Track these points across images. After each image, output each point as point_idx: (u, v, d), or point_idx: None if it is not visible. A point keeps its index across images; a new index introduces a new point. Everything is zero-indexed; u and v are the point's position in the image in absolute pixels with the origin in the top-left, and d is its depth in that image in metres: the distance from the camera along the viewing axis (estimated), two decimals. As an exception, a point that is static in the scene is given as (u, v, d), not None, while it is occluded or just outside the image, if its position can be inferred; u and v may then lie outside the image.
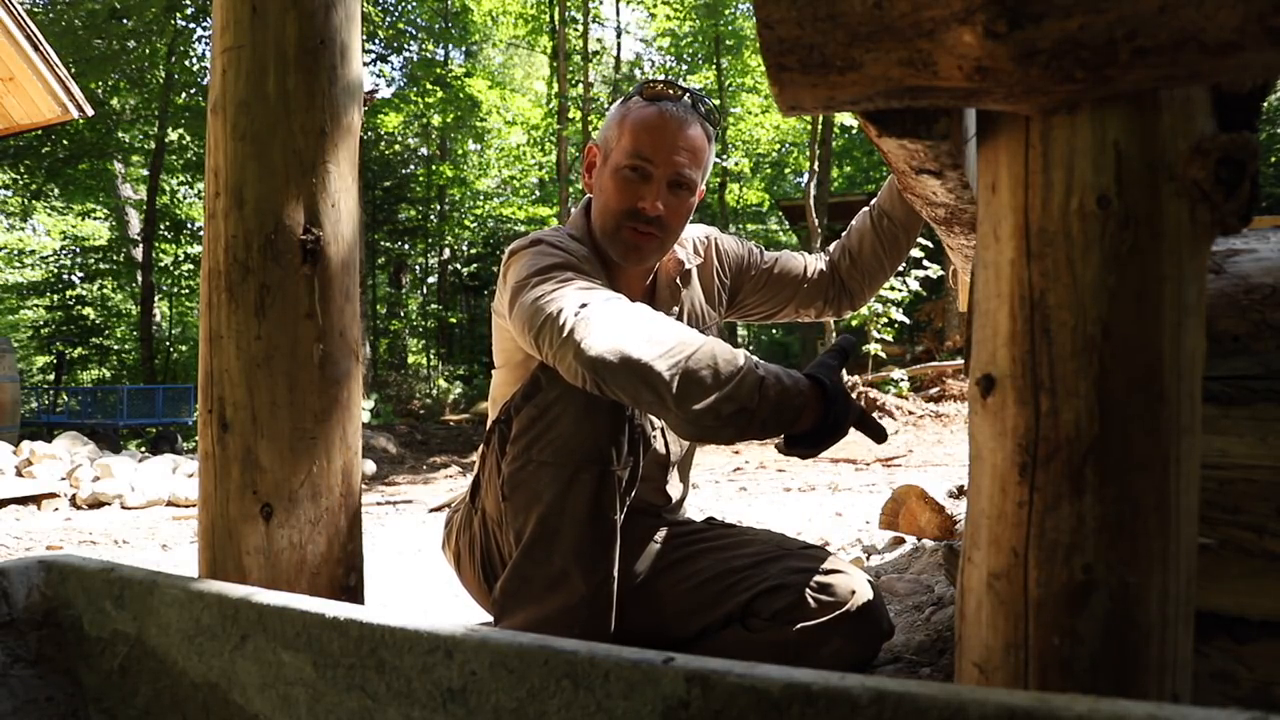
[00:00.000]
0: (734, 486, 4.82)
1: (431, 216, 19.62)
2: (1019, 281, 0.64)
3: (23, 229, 20.27)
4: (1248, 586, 0.91)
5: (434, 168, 18.77)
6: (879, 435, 1.11)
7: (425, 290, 21.92)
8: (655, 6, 15.30)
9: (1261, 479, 0.91)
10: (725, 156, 14.66)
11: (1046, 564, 0.62)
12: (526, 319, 1.14)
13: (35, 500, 4.67)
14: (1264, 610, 0.90)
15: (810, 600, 1.31)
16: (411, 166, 19.98)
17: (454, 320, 19.62)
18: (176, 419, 12.04)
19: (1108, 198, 0.60)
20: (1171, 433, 0.61)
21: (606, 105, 14.11)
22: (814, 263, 1.66)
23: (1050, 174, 0.62)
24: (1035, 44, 0.55)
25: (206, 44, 15.54)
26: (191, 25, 15.57)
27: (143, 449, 10.58)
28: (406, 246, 20.45)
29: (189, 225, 17.97)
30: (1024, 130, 0.64)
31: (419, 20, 18.33)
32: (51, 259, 19.26)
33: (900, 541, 2.33)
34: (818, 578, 1.34)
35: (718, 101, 15.40)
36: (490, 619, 1.34)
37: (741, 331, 21.03)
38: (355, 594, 1.18)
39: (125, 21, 15.07)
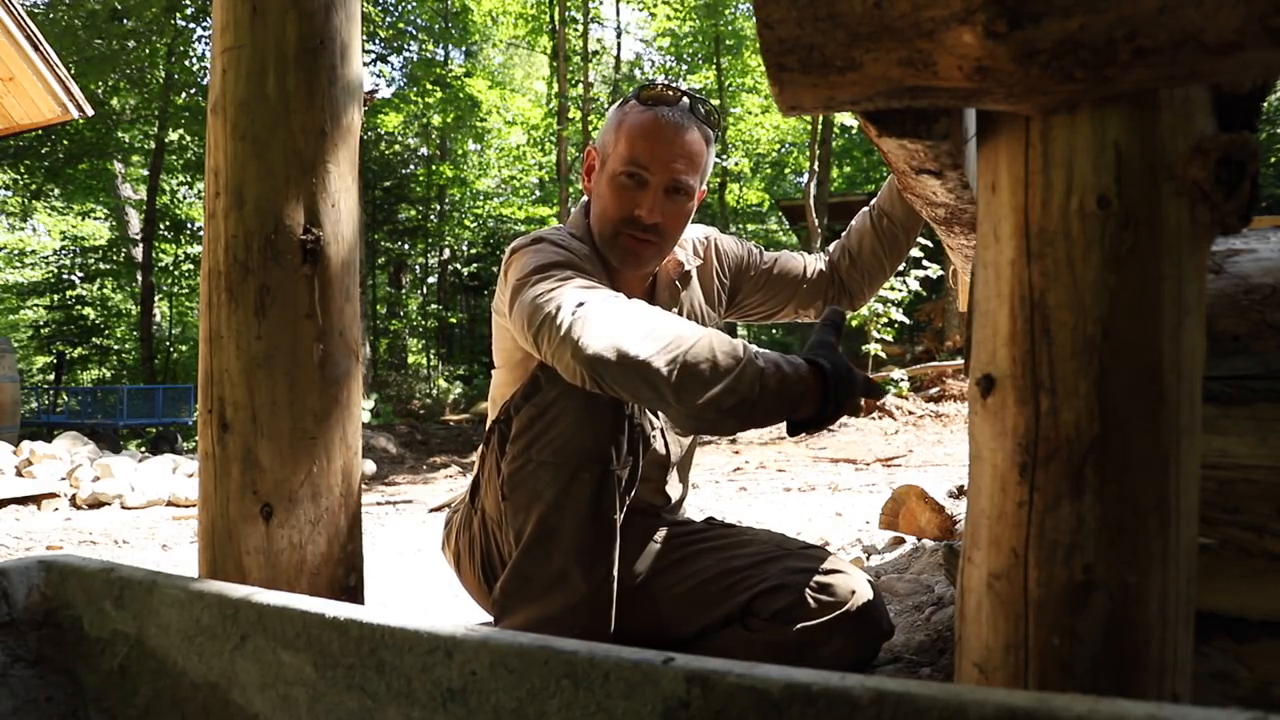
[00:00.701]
0: (734, 486, 4.81)
1: (431, 216, 19.62)
2: (1019, 281, 0.64)
3: (23, 229, 20.29)
4: (1248, 586, 0.91)
5: (434, 168, 18.77)
6: (878, 394, 1.11)
7: (425, 290, 21.92)
8: (655, 6, 15.30)
9: (1261, 479, 0.91)
10: (725, 156, 14.66)
11: (1046, 564, 0.62)
12: (526, 317, 1.14)
13: (35, 500, 4.66)
14: (1264, 610, 0.90)
15: (810, 600, 1.31)
16: (411, 166, 19.97)
17: (454, 320, 19.61)
18: (176, 419, 12.05)
19: (1108, 198, 0.60)
20: (1171, 433, 0.61)
21: (606, 105, 14.13)
22: (814, 263, 1.66)
23: (1050, 174, 0.62)
24: (1035, 44, 0.55)
25: (206, 44, 15.54)
26: (191, 25, 15.58)
27: (143, 449, 10.58)
28: (406, 246, 20.44)
29: (189, 225, 17.98)
30: (1024, 130, 0.64)
31: (419, 20, 18.31)
32: (51, 259, 19.26)
33: (900, 541, 2.33)
34: (818, 578, 1.34)
35: (717, 102, 15.40)
36: (490, 619, 1.34)
37: (741, 331, 21.00)
38: (355, 594, 1.18)
39: (125, 21, 15.08)
